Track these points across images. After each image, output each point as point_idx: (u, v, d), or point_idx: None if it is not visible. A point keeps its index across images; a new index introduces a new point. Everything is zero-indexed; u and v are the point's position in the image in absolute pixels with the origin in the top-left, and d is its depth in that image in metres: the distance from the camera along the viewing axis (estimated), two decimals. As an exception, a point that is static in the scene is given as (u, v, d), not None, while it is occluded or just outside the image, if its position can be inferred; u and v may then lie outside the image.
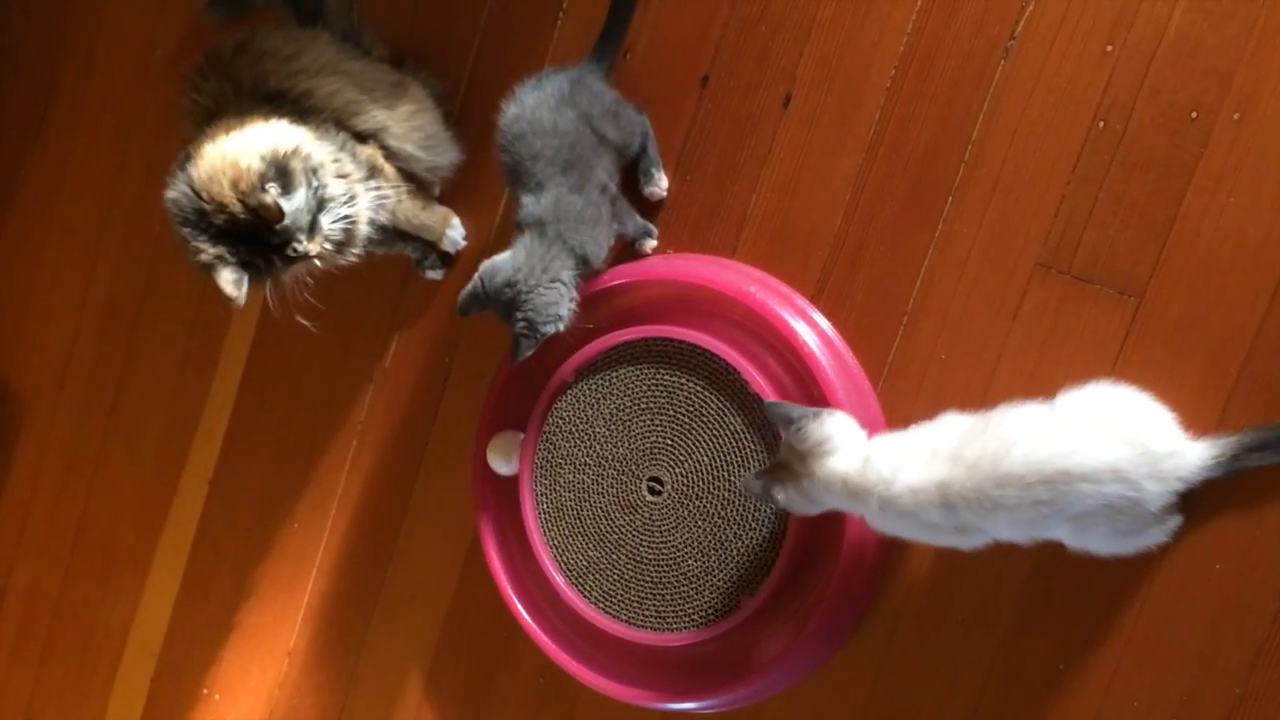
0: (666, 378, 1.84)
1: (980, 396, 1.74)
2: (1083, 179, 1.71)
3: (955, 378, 1.77)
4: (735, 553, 1.80)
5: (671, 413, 1.84)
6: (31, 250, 2.48)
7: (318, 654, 2.25)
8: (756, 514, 1.79)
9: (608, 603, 1.88)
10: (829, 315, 1.84)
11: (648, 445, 1.86)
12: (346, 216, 1.76)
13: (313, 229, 1.71)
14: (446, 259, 2.09)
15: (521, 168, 1.78)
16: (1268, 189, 1.62)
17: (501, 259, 1.79)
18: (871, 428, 1.67)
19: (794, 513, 1.68)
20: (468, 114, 2.05)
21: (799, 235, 1.87)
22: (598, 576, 1.89)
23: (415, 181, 1.96)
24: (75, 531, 2.46)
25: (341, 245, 1.78)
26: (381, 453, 2.19)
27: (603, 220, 1.81)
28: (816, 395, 1.75)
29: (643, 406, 1.86)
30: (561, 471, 1.91)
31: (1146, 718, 1.67)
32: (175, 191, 1.70)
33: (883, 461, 1.56)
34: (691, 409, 1.82)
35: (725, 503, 1.81)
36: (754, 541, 1.79)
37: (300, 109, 1.81)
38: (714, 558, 1.81)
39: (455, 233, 2.05)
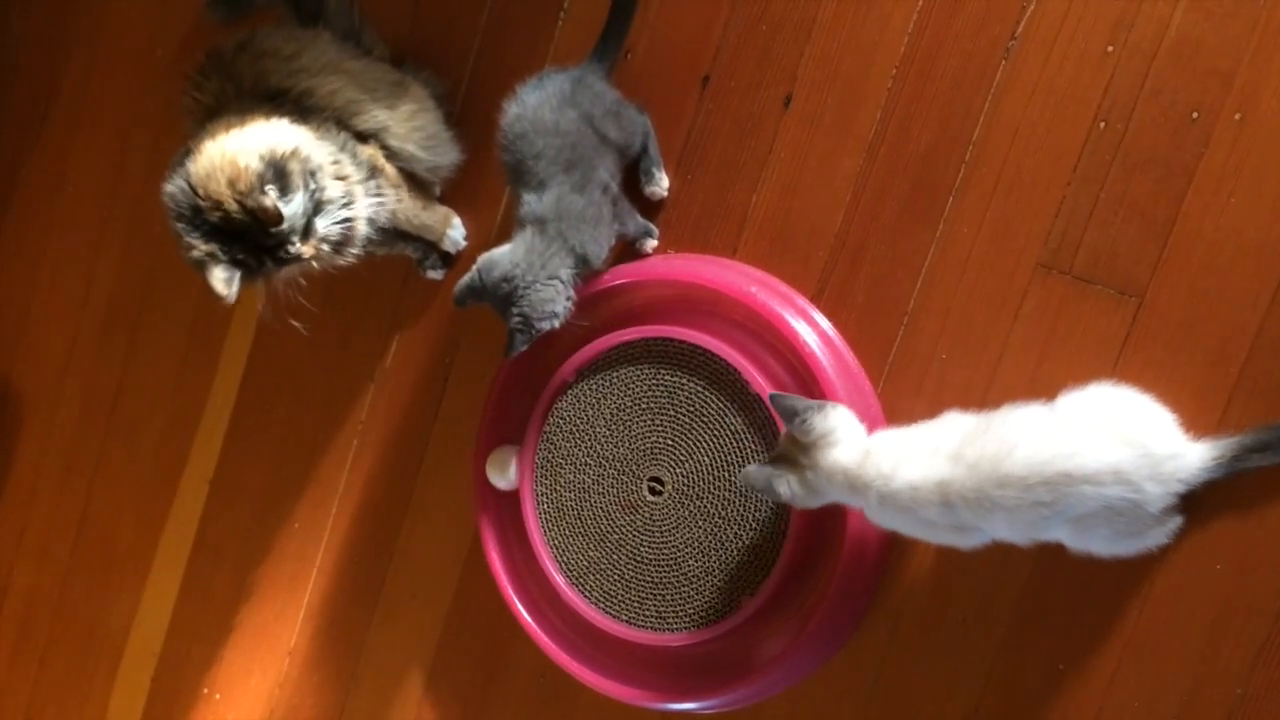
0: (667, 378, 1.84)
1: (981, 397, 1.74)
2: (1084, 179, 1.71)
3: (956, 378, 1.77)
4: (736, 553, 1.80)
5: (672, 413, 1.84)
6: (32, 250, 2.48)
7: (318, 654, 2.25)
8: (757, 514, 1.79)
9: (608, 603, 1.88)
10: (830, 315, 1.84)
11: (648, 445, 1.85)
12: (344, 219, 1.75)
13: (307, 231, 1.71)
14: (447, 259, 2.09)
15: (523, 167, 1.78)
16: (1269, 189, 1.61)
17: (500, 252, 1.79)
18: (872, 427, 1.66)
19: (795, 505, 1.68)
20: (468, 114, 2.05)
21: (800, 235, 1.87)
22: (598, 576, 1.89)
23: (416, 181, 1.96)
24: (75, 531, 2.46)
25: (339, 246, 1.78)
26: (382, 452, 2.19)
27: (604, 220, 1.81)
28: (817, 395, 1.75)
29: (643, 406, 1.86)
30: (562, 471, 1.91)
31: (1147, 718, 1.67)
32: (172, 186, 1.70)
33: (884, 457, 1.57)
34: (692, 409, 1.82)
35: (726, 503, 1.80)
36: (754, 541, 1.79)
37: (301, 108, 1.81)
38: (714, 558, 1.81)
39: (456, 233, 2.05)
